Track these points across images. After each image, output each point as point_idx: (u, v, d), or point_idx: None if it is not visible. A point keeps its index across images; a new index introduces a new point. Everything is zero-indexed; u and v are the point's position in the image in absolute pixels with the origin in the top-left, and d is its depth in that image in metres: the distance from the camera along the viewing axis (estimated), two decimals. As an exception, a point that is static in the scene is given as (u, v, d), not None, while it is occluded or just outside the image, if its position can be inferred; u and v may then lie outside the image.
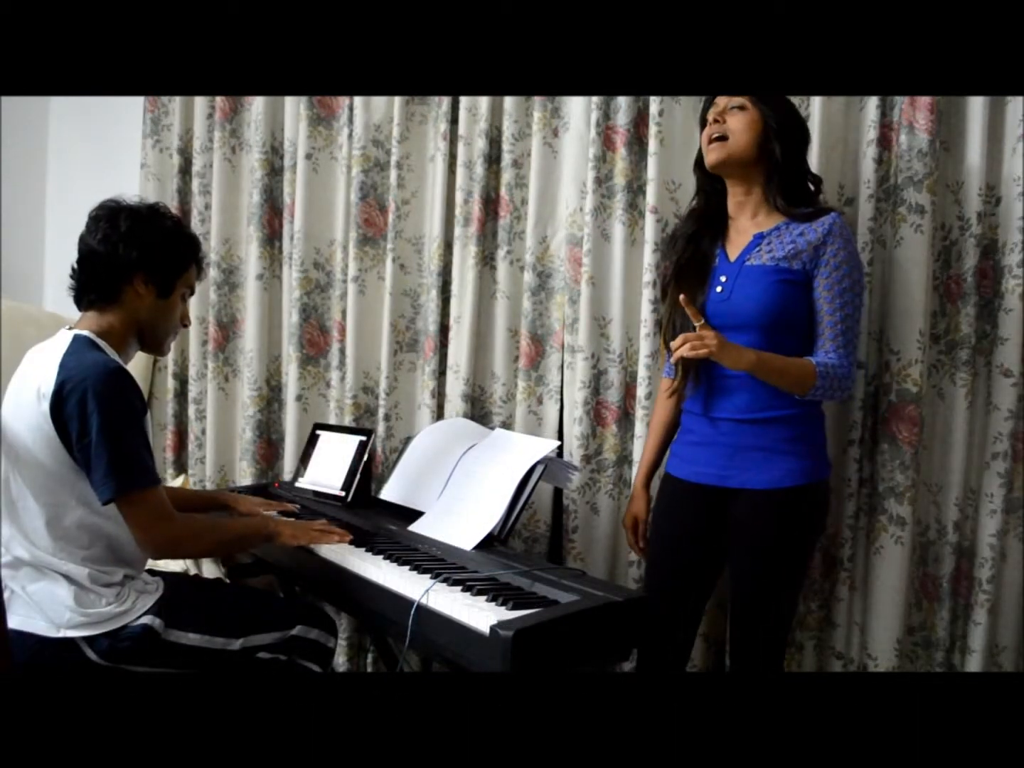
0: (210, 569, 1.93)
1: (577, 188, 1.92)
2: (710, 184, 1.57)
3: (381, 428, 2.11)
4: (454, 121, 2.05)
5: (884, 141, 1.69)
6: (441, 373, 2.09)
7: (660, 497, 1.64)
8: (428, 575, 1.35)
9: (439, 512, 1.66)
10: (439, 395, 2.09)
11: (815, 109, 1.70)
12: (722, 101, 1.49)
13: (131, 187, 2.32)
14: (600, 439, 1.92)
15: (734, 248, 1.53)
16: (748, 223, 1.53)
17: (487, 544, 1.53)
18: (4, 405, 1.38)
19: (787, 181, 1.49)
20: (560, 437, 1.96)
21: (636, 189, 1.88)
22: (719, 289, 1.50)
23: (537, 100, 1.95)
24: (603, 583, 1.45)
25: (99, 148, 2.64)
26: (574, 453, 1.90)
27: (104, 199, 1.43)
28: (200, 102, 2.34)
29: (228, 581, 1.86)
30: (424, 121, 2.11)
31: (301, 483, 2.02)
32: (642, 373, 1.83)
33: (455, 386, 2.04)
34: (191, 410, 2.38)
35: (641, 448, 1.79)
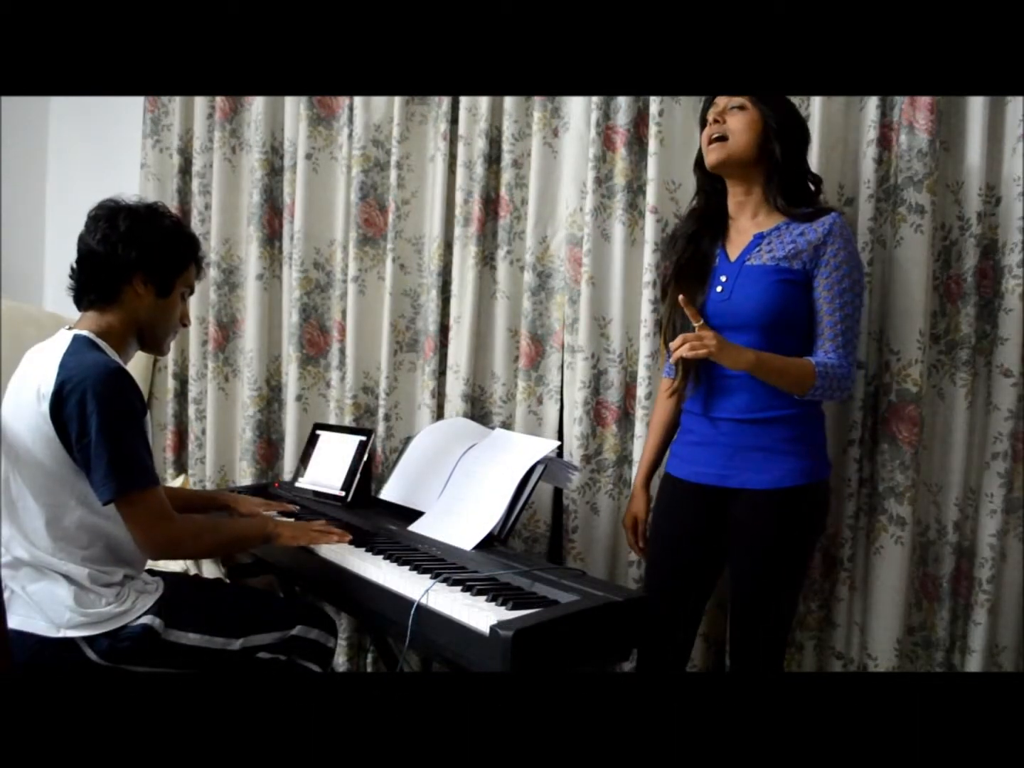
0: (210, 569, 1.93)
1: (577, 188, 1.92)
2: (710, 184, 1.57)
3: (381, 428, 2.11)
4: (454, 121, 2.05)
5: (884, 141, 1.69)
6: (441, 373, 2.09)
7: (660, 497, 1.64)
8: (428, 575, 1.35)
9: (439, 512, 1.66)
10: (439, 395, 2.09)
11: (815, 109, 1.70)
12: (722, 101, 1.49)
13: (131, 187, 2.32)
14: (600, 439, 1.92)
15: (734, 248, 1.53)
16: (748, 223, 1.53)
17: (487, 544, 1.53)
18: (4, 405, 1.38)
19: (787, 181, 1.49)
20: (560, 437, 1.96)
21: (636, 189, 1.88)
22: (719, 289, 1.50)
23: (537, 100, 1.95)
24: (603, 583, 1.45)
25: (99, 148, 2.64)
26: (574, 453, 1.90)
27: (103, 199, 1.43)
28: (200, 102, 2.34)
29: (228, 581, 1.86)
30: (424, 121, 2.11)
31: (301, 483, 2.02)
32: (642, 373, 1.83)
33: (455, 386, 2.04)
34: (191, 410, 2.38)
35: (641, 448, 1.79)
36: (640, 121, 1.87)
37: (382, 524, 1.71)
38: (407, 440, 2.03)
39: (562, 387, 1.97)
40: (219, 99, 2.29)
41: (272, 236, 2.28)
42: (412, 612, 1.24)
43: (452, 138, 2.05)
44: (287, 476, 2.21)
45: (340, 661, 2.13)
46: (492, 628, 1.10)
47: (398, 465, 1.92)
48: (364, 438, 1.93)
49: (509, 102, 1.99)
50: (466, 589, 1.28)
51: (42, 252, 2.75)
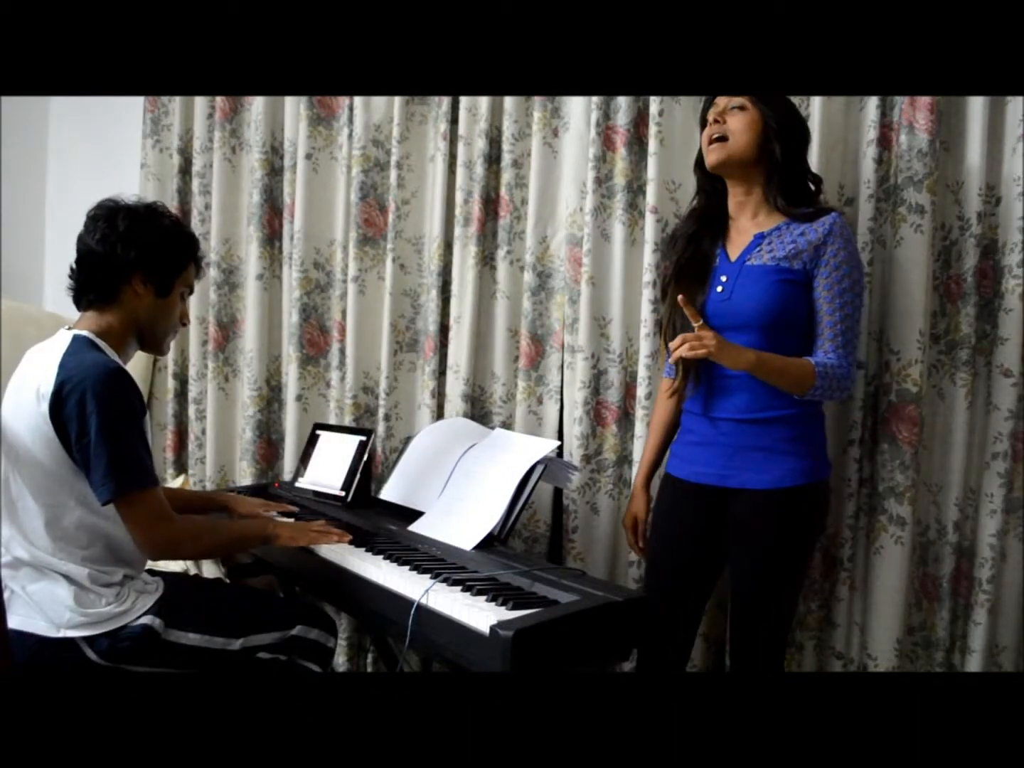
0: (210, 569, 1.93)
1: (577, 188, 1.92)
2: (710, 184, 1.57)
3: (381, 428, 2.11)
4: (454, 121, 2.05)
5: (884, 141, 1.69)
6: (441, 373, 2.09)
7: (660, 497, 1.64)
8: (428, 575, 1.35)
9: (439, 512, 1.66)
10: (439, 395, 2.09)
11: (815, 109, 1.70)
12: (722, 101, 1.49)
13: (131, 187, 2.32)
14: (600, 439, 1.92)
15: (735, 248, 1.53)
16: (749, 223, 1.53)
17: (487, 544, 1.53)
18: (4, 405, 1.38)
19: (787, 181, 1.49)
20: (560, 437, 1.96)
21: (636, 189, 1.88)
22: (719, 289, 1.50)
23: (537, 100, 1.95)
24: (603, 583, 1.45)
25: (99, 148, 2.64)
26: (574, 453, 1.90)
27: (102, 199, 1.43)
28: (200, 102, 2.34)
29: (228, 581, 1.86)
30: (424, 121, 2.11)
31: (301, 483, 2.02)
32: (642, 373, 1.83)
33: (455, 386, 2.04)
34: (191, 410, 2.38)
35: (641, 448, 1.79)
36: (640, 121, 1.87)
37: (382, 524, 1.71)
38: (407, 440, 2.03)
39: (562, 387, 1.97)
40: (219, 99, 2.29)
41: (272, 236, 2.28)
42: (412, 612, 1.24)
43: (452, 138, 2.05)
44: (287, 476, 2.21)
45: (340, 661, 2.13)
46: (492, 628, 1.10)
47: (398, 465, 1.92)
48: (364, 438, 1.93)
49: (509, 102, 1.99)
50: (466, 589, 1.28)
51: (42, 252, 2.75)
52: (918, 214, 1.62)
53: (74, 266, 1.41)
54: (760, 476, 1.46)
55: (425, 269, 2.12)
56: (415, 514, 1.70)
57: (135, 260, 1.39)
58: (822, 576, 1.78)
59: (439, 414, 2.08)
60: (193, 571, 1.89)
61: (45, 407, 1.28)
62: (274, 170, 2.27)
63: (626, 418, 1.91)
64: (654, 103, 1.80)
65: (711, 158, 1.49)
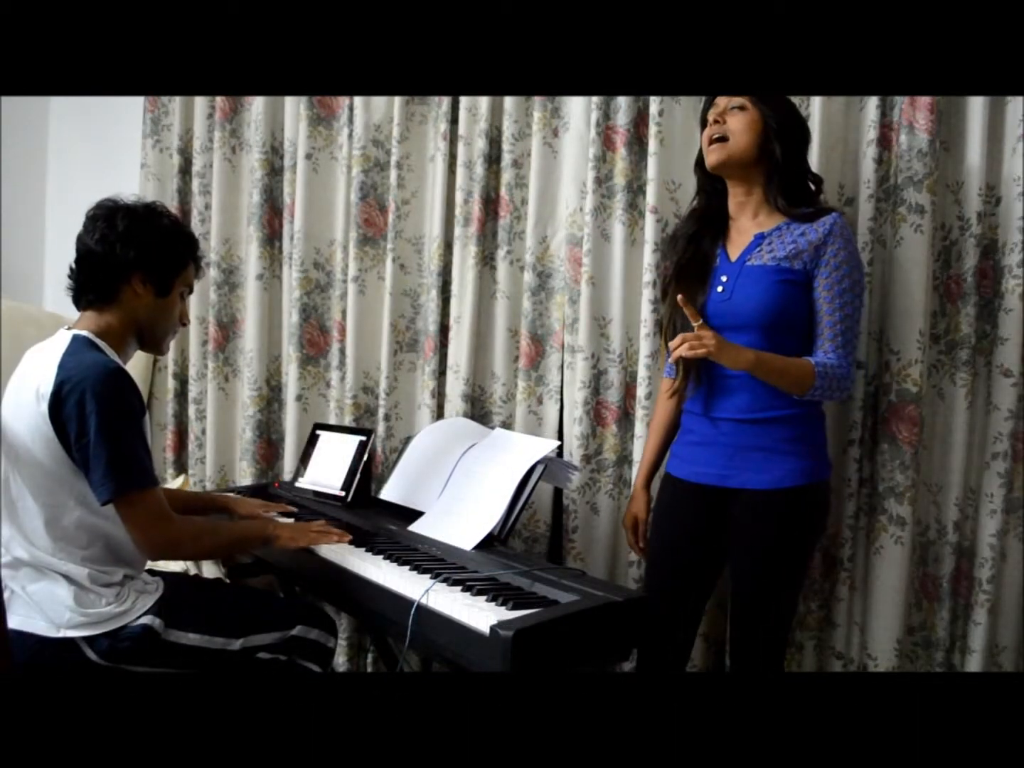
0: (210, 569, 1.93)
1: (577, 188, 1.92)
2: (711, 184, 1.57)
3: (381, 428, 2.11)
4: (454, 121, 2.05)
5: (884, 141, 1.69)
6: (441, 373, 2.09)
7: (660, 497, 1.64)
8: (428, 575, 1.35)
9: (439, 512, 1.66)
10: (439, 395, 2.09)
11: (815, 109, 1.70)
12: (722, 101, 1.49)
13: (131, 187, 2.32)
14: (600, 439, 1.92)
15: (735, 248, 1.53)
16: (749, 223, 1.53)
17: (487, 544, 1.53)
18: (4, 405, 1.38)
19: (788, 181, 1.49)
20: (560, 437, 1.96)
21: (636, 189, 1.88)
22: (720, 289, 1.50)
23: (537, 100, 1.95)
24: (603, 583, 1.45)
25: (99, 148, 2.64)
26: (574, 453, 1.90)
27: (101, 199, 1.43)
28: (200, 102, 2.34)
29: (228, 581, 1.86)
30: (424, 121, 2.11)
31: (301, 483, 2.02)
32: (642, 373, 1.83)
33: (455, 386, 2.04)
34: (191, 410, 2.38)
35: (641, 448, 1.79)
36: (640, 121, 1.87)
37: (382, 524, 1.71)
38: (407, 440, 2.03)
39: (562, 387, 1.97)
40: (219, 99, 2.29)
41: (272, 236, 2.28)
42: (412, 612, 1.24)
43: (452, 138, 2.05)
44: (287, 476, 2.21)
45: (340, 661, 2.13)
46: (492, 628, 1.10)
47: (398, 465, 1.92)
48: (364, 438, 1.93)
49: (509, 102, 1.99)
50: (466, 589, 1.28)
51: (42, 252, 2.75)
52: (918, 214, 1.62)
53: (73, 266, 1.41)
54: (760, 476, 1.46)
55: (425, 269, 2.12)
56: (415, 514, 1.70)
57: (134, 260, 1.39)
58: (822, 576, 1.78)
59: (439, 414, 2.08)
60: (193, 571, 1.89)
61: (45, 407, 1.28)
62: (274, 170, 2.27)
63: (626, 418, 1.91)
64: (654, 103, 1.80)
65: (711, 158, 1.49)
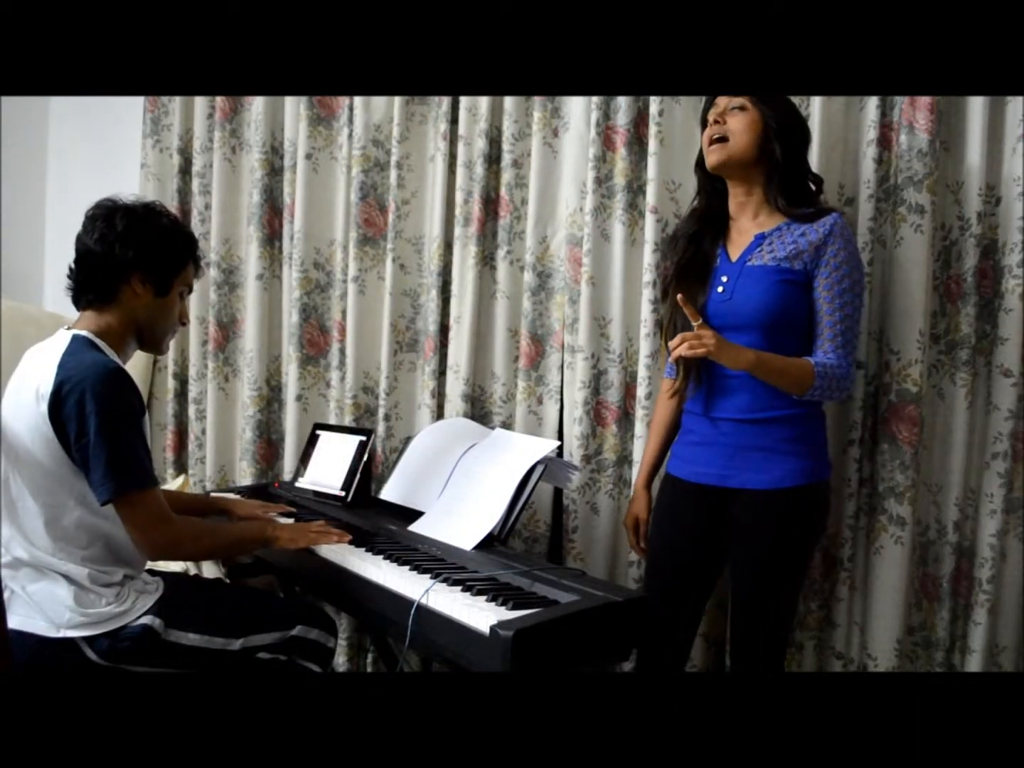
0: (210, 569, 1.93)
1: (577, 188, 1.92)
2: (711, 184, 1.57)
3: (381, 428, 2.11)
4: (454, 121, 2.05)
5: (884, 141, 1.69)
6: (441, 373, 2.09)
7: (660, 497, 1.64)
8: (428, 575, 1.35)
9: (439, 512, 1.66)
10: (439, 395, 2.09)
11: (815, 109, 1.70)
12: (722, 102, 1.49)
13: (131, 187, 2.32)
14: (600, 439, 1.92)
15: (735, 248, 1.53)
16: (749, 223, 1.53)
17: (487, 544, 1.53)
18: (4, 405, 1.37)
19: (788, 181, 1.49)
20: (560, 437, 1.96)
21: (636, 189, 1.88)
22: (720, 289, 1.50)
23: (537, 100, 1.95)
24: (603, 583, 1.45)
25: (99, 148, 2.64)
26: (574, 453, 1.90)
27: (101, 199, 1.43)
28: (200, 102, 2.34)
29: (228, 581, 1.86)
30: (424, 121, 2.11)
31: (301, 483, 2.02)
32: (642, 373, 1.83)
33: (455, 386, 2.04)
34: (191, 410, 2.38)
35: (641, 448, 1.79)
36: (640, 121, 1.87)
37: (382, 524, 1.71)
38: (407, 440, 2.03)
39: (562, 387, 1.97)
40: (219, 99, 2.29)
41: (272, 236, 2.28)
42: (412, 612, 1.24)
43: (452, 138, 2.05)
44: (287, 476, 2.21)
45: (340, 661, 2.13)
46: (492, 628, 1.10)
47: (398, 465, 1.92)
48: (364, 438, 1.93)
49: (509, 102, 1.99)
50: (466, 589, 1.28)
51: (42, 252, 2.75)
52: (918, 214, 1.62)
53: (73, 266, 1.41)
54: (760, 476, 1.46)
55: (425, 269, 2.12)
56: (415, 514, 1.70)
57: (133, 260, 1.39)
58: (822, 576, 1.78)
59: (439, 414, 2.08)
60: (193, 571, 1.89)
61: (44, 407, 1.28)
62: (274, 170, 2.27)
63: (626, 418, 1.91)
64: (654, 103, 1.80)
65: (711, 159, 1.49)
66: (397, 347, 2.12)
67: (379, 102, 2.11)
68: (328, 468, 1.97)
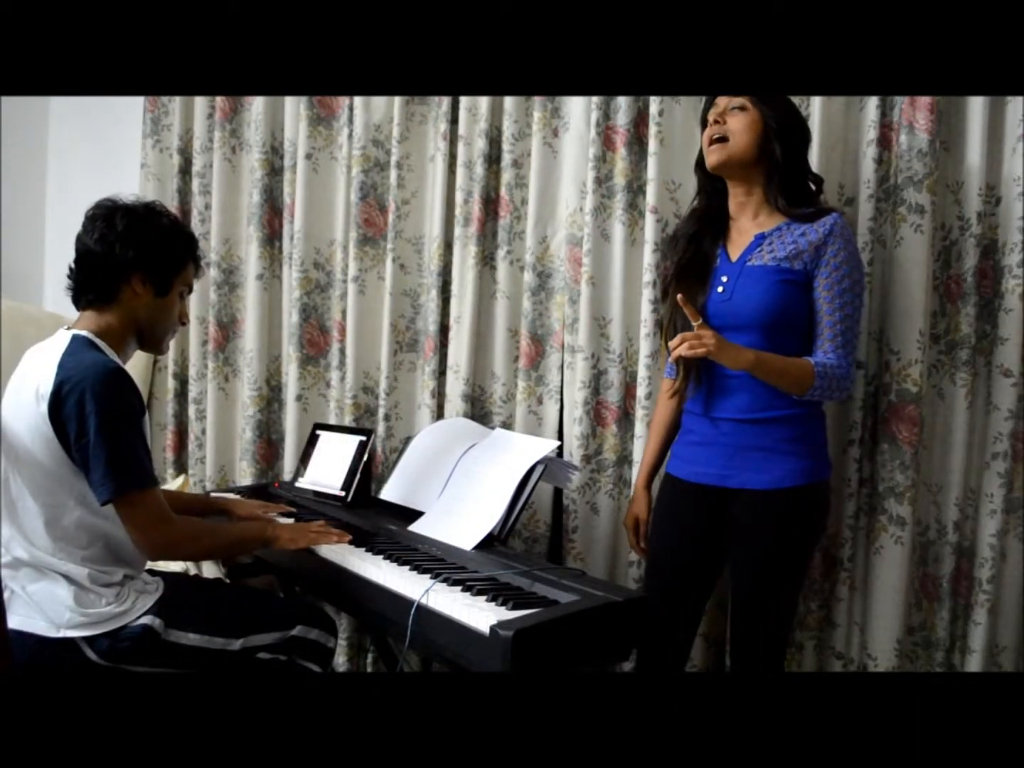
0: (210, 569, 1.93)
1: (577, 188, 1.92)
2: (711, 184, 1.57)
3: (381, 428, 2.11)
4: (454, 121, 2.05)
5: (884, 141, 1.69)
6: (441, 373, 2.09)
7: (660, 497, 1.64)
8: (428, 575, 1.35)
9: (439, 512, 1.66)
10: (439, 395, 2.09)
11: (815, 109, 1.70)
12: (723, 102, 1.49)
13: (131, 187, 2.32)
14: (600, 439, 1.92)
15: (735, 248, 1.53)
16: (749, 223, 1.53)
17: (487, 544, 1.53)
18: (4, 405, 1.37)
19: (788, 181, 1.49)
20: (560, 437, 1.96)
21: (636, 189, 1.88)
22: (720, 289, 1.50)
23: (537, 100, 1.95)
24: (603, 583, 1.45)
25: (99, 148, 2.64)
26: (574, 453, 1.90)
27: (100, 198, 1.43)
28: (200, 102, 2.34)
29: (228, 581, 1.86)
30: (424, 121, 2.11)
31: (301, 483, 2.02)
32: (642, 373, 1.83)
33: (455, 386, 2.04)
34: (191, 410, 2.38)
35: (641, 448, 1.79)
36: (640, 121, 1.87)
37: (382, 524, 1.71)
38: (407, 440, 2.03)
39: (562, 387, 1.97)
40: (219, 99, 2.28)
41: (272, 236, 2.28)
42: (412, 612, 1.24)
43: (452, 138, 2.05)
44: (287, 476, 2.21)
45: (340, 661, 2.13)
46: (492, 628, 1.10)
47: (398, 465, 1.92)
48: (364, 438, 1.93)
49: (509, 102, 1.99)
50: (466, 589, 1.28)
51: (42, 252, 2.75)
52: (918, 214, 1.62)
53: (73, 266, 1.41)
54: (760, 476, 1.46)
55: (425, 269, 2.12)
56: (415, 514, 1.70)
57: (133, 259, 1.39)
58: (822, 576, 1.78)
59: (439, 414, 2.08)
60: (193, 571, 1.89)
61: (44, 407, 1.28)
62: (274, 170, 2.27)
63: (626, 418, 1.91)
64: (654, 103, 1.80)
65: (711, 159, 1.49)
66: (397, 347, 2.12)
67: (379, 102, 2.11)
68: (328, 468, 1.97)
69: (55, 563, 1.32)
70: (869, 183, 1.68)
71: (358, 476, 1.88)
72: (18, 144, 2.61)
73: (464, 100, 2.01)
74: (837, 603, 1.76)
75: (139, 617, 1.34)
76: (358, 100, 2.11)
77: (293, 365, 2.21)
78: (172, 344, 2.07)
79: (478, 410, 2.06)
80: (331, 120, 2.20)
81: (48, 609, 1.31)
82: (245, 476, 2.27)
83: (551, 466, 1.68)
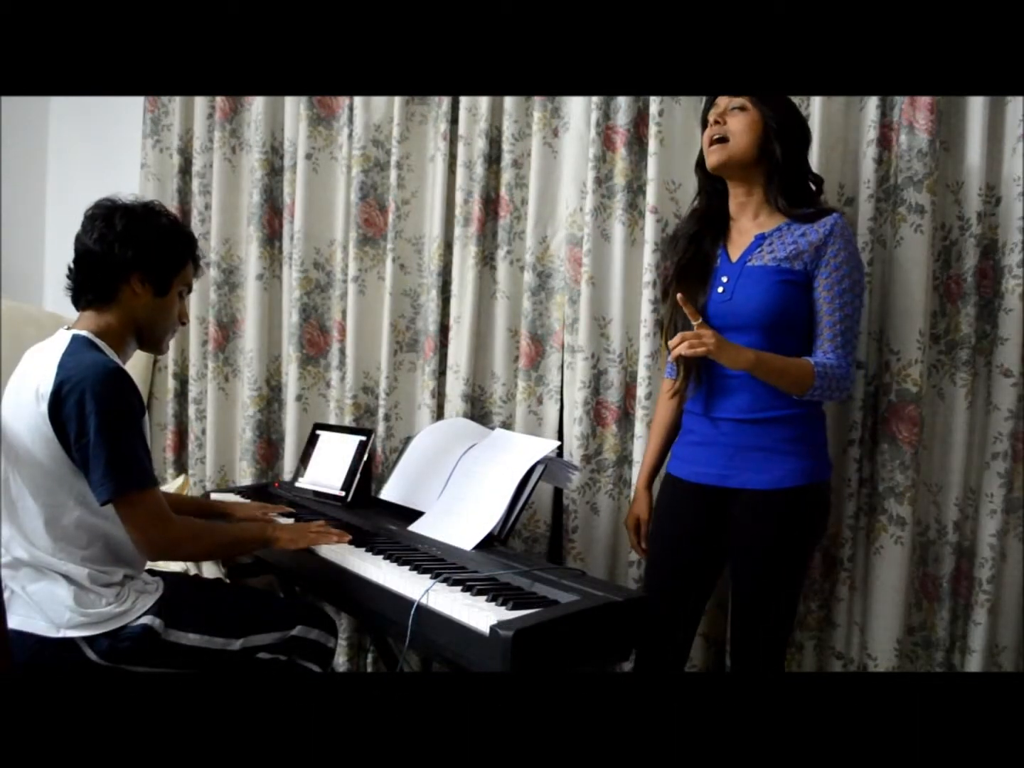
0: (210, 569, 1.93)
1: (577, 188, 1.92)
2: (711, 184, 1.57)
3: (381, 428, 2.11)
4: (454, 121, 2.05)
5: (884, 141, 1.69)
6: (441, 373, 2.09)
7: (661, 497, 1.64)
8: (428, 575, 1.35)
9: (439, 512, 1.66)
10: (439, 395, 2.09)
11: (815, 109, 1.70)
12: (723, 102, 1.49)
13: (131, 187, 2.32)
14: (600, 439, 1.92)
15: (736, 249, 1.53)
16: (750, 224, 1.53)
17: (487, 544, 1.53)
18: (3, 405, 1.37)
19: (788, 182, 1.49)
20: (560, 437, 1.96)
21: (636, 189, 1.88)
22: (720, 290, 1.50)
23: (537, 100, 1.95)
24: (603, 583, 1.45)
25: (99, 148, 2.64)
26: (574, 453, 1.90)
27: (100, 198, 1.43)
28: (200, 102, 2.34)
29: (228, 581, 1.86)
30: (424, 121, 2.11)
31: (301, 483, 2.02)
32: (642, 373, 1.83)
33: (455, 386, 2.04)
34: (191, 410, 2.38)
35: (641, 448, 1.79)
36: (640, 121, 1.87)
37: (382, 524, 1.71)
38: (407, 440, 2.03)
39: (562, 387, 1.97)
40: (219, 99, 2.28)
41: (272, 236, 2.28)
42: (412, 612, 1.24)
43: (452, 138, 2.05)
44: (287, 476, 2.21)
45: (340, 661, 2.13)
46: (492, 628, 1.10)
47: (398, 465, 1.92)
48: (364, 438, 1.93)
49: (509, 102, 1.99)
50: (466, 589, 1.28)
51: (42, 252, 2.75)
52: (918, 214, 1.62)
53: (72, 266, 1.41)
54: (760, 476, 1.45)
55: (425, 269, 2.12)
56: (415, 514, 1.70)
57: (133, 259, 1.38)
58: (822, 576, 1.78)
59: (439, 414, 2.08)
60: (193, 571, 1.89)
61: (44, 407, 1.28)
62: (274, 170, 2.27)
63: (626, 418, 1.91)
64: (654, 103, 1.80)
65: (712, 159, 1.49)
66: (397, 347, 2.12)
67: (379, 102, 2.11)
68: (328, 468, 1.97)
69: (55, 563, 1.32)
70: (869, 183, 1.68)
71: (358, 476, 1.88)
72: (18, 144, 2.61)
73: (464, 100, 2.01)
74: (837, 603, 1.76)
75: (139, 617, 1.34)
76: (358, 100, 2.11)
77: (293, 365, 2.21)
78: (172, 344, 2.07)
79: (478, 410, 2.06)
80: (331, 120, 2.20)
81: (48, 609, 1.31)
82: (245, 476, 2.27)
83: (551, 466, 1.68)
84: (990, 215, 1.66)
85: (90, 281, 1.40)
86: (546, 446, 1.63)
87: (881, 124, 1.68)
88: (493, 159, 2.02)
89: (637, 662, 1.65)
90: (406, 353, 2.14)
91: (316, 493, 1.96)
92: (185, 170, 2.39)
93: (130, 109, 2.43)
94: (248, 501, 1.91)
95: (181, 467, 2.42)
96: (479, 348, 2.04)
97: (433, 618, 1.23)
